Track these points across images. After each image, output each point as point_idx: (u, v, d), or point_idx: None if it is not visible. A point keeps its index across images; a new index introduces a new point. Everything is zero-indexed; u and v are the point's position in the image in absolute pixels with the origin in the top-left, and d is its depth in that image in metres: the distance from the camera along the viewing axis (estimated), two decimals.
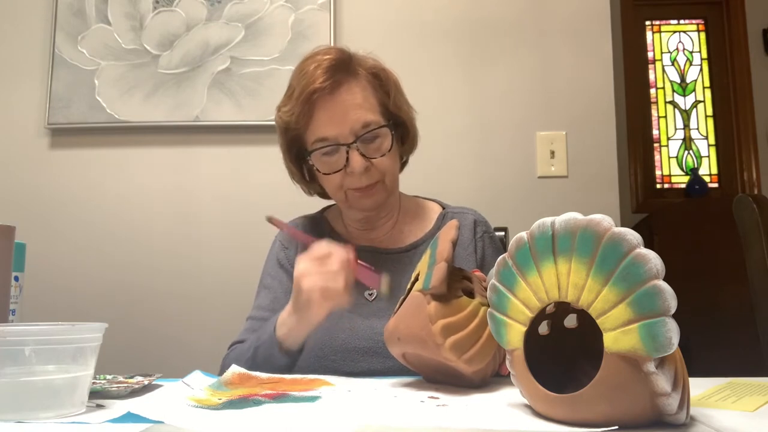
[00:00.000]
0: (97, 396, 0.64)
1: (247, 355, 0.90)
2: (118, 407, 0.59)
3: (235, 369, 0.77)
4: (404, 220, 1.08)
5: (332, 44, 1.69)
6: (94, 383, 0.66)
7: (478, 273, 0.78)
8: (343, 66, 0.97)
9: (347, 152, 0.95)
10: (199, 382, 0.72)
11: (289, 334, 0.86)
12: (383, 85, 1.01)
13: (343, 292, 0.80)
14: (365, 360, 0.92)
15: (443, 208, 1.11)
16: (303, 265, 0.83)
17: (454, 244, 0.73)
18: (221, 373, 0.95)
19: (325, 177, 0.98)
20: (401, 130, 1.03)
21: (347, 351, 0.93)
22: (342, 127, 0.94)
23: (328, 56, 0.97)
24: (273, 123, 1.68)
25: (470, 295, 0.72)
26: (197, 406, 0.59)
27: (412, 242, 1.05)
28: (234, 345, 1.00)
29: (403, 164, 1.11)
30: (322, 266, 0.81)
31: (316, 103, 0.95)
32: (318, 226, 1.10)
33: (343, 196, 0.99)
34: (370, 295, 0.99)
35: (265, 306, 1.03)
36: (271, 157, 1.74)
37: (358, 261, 0.85)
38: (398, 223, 1.08)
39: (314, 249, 0.84)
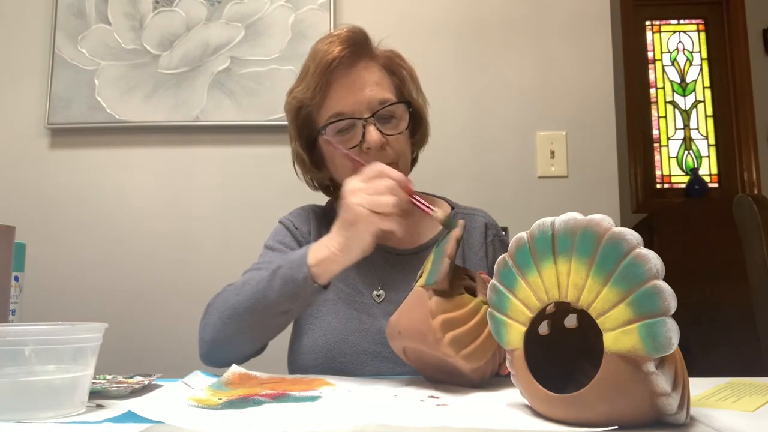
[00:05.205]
0: (97, 396, 0.64)
1: (254, 283, 0.84)
2: (118, 407, 0.59)
3: (235, 369, 0.77)
4: (413, 220, 1.04)
5: None
6: (94, 383, 0.66)
7: (484, 275, 0.78)
8: (360, 40, 0.95)
9: (363, 127, 0.91)
10: (199, 382, 0.72)
11: (325, 260, 0.80)
12: (398, 71, 0.99)
13: (392, 209, 0.76)
14: (373, 364, 0.90)
15: (452, 208, 1.08)
16: (353, 183, 0.79)
17: (459, 242, 0.73)
18: (206, 312, 0.92)
19: (336, 158, 0.95)
20: (414, 120, 1.01)
21: (357, 354, 0.91)
22: (359, 102, 0.92)
23: (344, 30, 0.95)
24: (273, 123, 1.72)
25: (473, 293, 0.73)
26: (197, 406, 0.59)
27: (422, 243, 1.02)
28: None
29: (413, 160, 1.08)
30: (373, 184, 0.78)
31: (333, 74, 0.92)
32: (326, 217, 1.05)
33: None
34: (378, 296, 0.97)
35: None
36: (271, 157, 1.76)
37: (414, 194, 0.82)
38: (407, 223, 1.05)
39: (366, 169, 0.80)
